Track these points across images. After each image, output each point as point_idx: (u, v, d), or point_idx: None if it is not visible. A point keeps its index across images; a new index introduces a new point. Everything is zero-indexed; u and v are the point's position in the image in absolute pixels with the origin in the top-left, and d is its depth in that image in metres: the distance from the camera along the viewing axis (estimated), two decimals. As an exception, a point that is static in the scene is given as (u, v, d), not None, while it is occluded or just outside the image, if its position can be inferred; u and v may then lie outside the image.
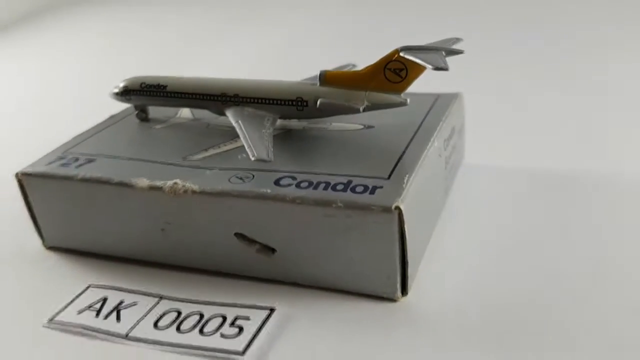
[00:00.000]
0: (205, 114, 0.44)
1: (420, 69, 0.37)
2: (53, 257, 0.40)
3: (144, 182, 0.36)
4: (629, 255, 0.36)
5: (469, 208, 0.41)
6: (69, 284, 0.37)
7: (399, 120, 0.40)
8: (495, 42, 0.76)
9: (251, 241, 0.35)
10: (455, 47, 0.37)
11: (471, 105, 0.47)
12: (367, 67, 0.38)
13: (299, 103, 0.39)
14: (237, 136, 0.40)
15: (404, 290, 0.33)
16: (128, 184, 0.36)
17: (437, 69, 0.33)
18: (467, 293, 0.33)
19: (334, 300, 0.34)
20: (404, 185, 0.32)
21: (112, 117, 0.47)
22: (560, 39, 0.75)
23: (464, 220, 0.40)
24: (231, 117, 0.40)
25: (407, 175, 0.33)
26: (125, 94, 0.44)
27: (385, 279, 0.33)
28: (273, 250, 0.35)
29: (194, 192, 0.35)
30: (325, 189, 0.33)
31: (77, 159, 0.39)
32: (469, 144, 0.47)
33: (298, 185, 0.34)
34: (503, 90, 0.62)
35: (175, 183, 0.35)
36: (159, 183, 0.35)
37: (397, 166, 0.35)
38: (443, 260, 0.36)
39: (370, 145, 0.38)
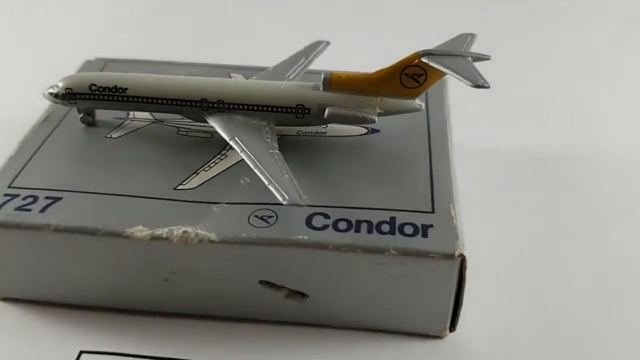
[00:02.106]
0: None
1: (439, 75, 0.33)
2: (13, 312, 0.33)
3: (142, 231, 0.30)
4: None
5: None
6: (51, 349, 0.31)
7: (400, 118, 0.37)
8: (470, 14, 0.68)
9: (279, 287, 0.31)
10: (474, 46, 0.34)
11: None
12: (379, 71, 0.34)
13: (300, 111, 0.34)
14: (222, 146, 0.35)
15: (453, 327, 0.31)
16: (122, 235, 0.30)
17: (476, 86, 0.30)
18: (510, 319, 0.33)
19: (374, 341, 0.31)
20: (454, 222, 0.30)
21: (46, 119, 0.38)
22: (542, 12, 0.70)
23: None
24: (221, 130, 0.34)
25: (450, 206, 0.31)
26: (68, 97, 0.35)
27: (434, 318, 0.31)
28: (304, 294, 0.31)
29: (211, 241, 0.29)
30: (369, 231, 0.30)
31: (34, 198, 0.32)
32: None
33: (336, 227, 0.30)
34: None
35: (185, 232, 0.30)
36: (162, 232, 0.30)
37: (434, 191, 0.32)
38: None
39: (389, 159, 0.34)
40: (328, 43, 0.42)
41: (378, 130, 0.37)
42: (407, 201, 0.31)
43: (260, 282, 0.31)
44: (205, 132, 0.37)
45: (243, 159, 0.32)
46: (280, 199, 0.29)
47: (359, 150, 0.35)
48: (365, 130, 0.37)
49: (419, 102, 0.34)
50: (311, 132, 0.37)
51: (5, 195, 0.32)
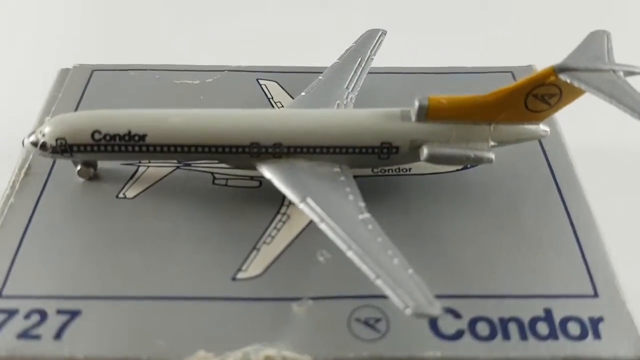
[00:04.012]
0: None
1: (577, 94, 0.25)
2: None
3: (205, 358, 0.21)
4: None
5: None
6: None
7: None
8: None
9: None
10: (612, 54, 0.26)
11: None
12: (495, 93, 0.25)
13: (385, 150, 0.26)
14: (279, 200, 0.26)
15: None
16: (178, 368, 0.21)
17: (646, 120, 0.22)
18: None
19: None
20: (627, 307, 0.22)
21: (27, 172, 0.28)
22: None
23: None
24: (282, 184, 0.25)
25: (615, 282, 0.23)
26: (61, 149, 0.25)
27: None
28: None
29: (305, 367, 0.21)
30: (522, 336, 0.21)
31: (42, 315, 0.22)
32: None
33: (474, 332, 0.22)
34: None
35: (268, 357, 0.21)
36: (234, 357, 0.21)
37: (587, 258, 0.24)
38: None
39: (509, 208, 0.26)
40: (384, 32, 0.33)
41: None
42: (558, 279, 0.23)
43: (369, 405, 0.23)
44: (251, 177, 0.28)
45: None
46: (399, 305, 0.20)
47: (463, 196, 0.27)
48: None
49: (543, 127, 0.26)
50: (391, 170, 0.28)
51: (4, 312, 0.22)
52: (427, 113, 0.25)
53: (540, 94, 0.24)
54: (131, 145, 0.25)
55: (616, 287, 0.23)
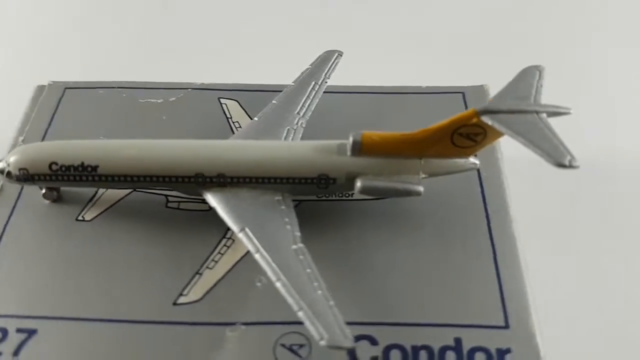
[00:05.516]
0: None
1: (502, 132, 0.26)
2: None
3: (143, 381, 0.23)
4: None
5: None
6: None
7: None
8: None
9: None
10: (541, 87, 0.27)
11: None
12: (423, 131, 0.26)
13: (322, 181, 0.27)
14: (226, 225, 0.28)
15: None
16: (118, 389, 0.23)
17: (560, 166, 0.23)
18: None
19: None
20: (537, 341, 0.24)
21: (-1, 193, 0.30)
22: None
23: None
24: (224, 214, 0.26)
25: (527, 313, 0.25)
26: (23, 178, 0.28)
27: None
28: None
29: (230, 390, 0.23)
30: (432, 364, 0.23)
31: (4, 332, 0.24)
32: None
33: (387, 358, 0.23)
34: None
35: (195, 380, 0.23)
36: (168, 380, 0.23)
37: (503, 289, 0.25)
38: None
39: (438, 236, 0.27)
40: (341, 54, 0.34)
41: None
42: (472, 310, 0.25)
43: None
44: (202, 201, 0.29)
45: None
46: (315, 336, 0.22)
47: (400, 222, 0.28)
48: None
49: (473, 160, 0.27)
50: (334, 194, 0.29)
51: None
52: (360, 148, 0.26)
53: (465, 133, 0.26)
54: (85, 175, 0.27)
55: (527, 319, 0.24)
